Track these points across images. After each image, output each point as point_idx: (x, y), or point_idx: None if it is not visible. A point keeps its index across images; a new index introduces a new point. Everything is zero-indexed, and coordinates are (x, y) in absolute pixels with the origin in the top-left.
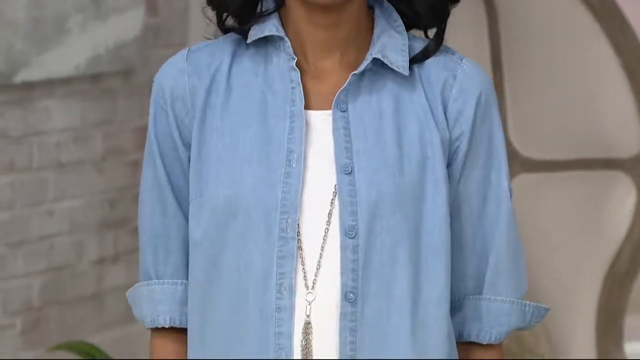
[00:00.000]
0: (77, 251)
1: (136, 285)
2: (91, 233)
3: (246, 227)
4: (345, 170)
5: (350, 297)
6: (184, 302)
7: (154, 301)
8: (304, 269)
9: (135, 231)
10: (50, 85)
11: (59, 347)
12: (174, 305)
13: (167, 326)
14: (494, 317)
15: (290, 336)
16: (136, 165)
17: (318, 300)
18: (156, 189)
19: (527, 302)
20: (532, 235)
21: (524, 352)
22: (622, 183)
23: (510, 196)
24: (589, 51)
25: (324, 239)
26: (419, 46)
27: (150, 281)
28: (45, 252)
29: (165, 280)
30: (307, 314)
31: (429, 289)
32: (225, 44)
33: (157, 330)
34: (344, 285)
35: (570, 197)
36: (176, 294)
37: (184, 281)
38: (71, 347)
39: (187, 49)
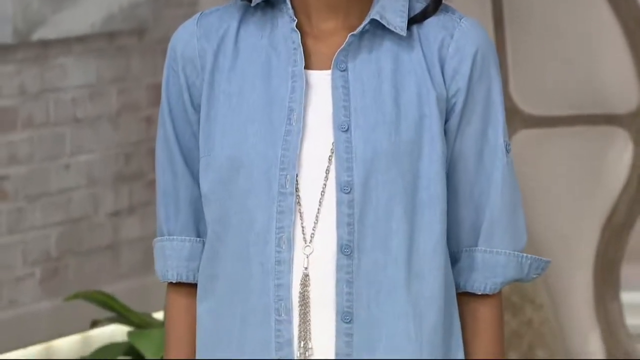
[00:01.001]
0: (94, 204)
1: (154, 240)
2: (107, 186)
3: (248, 183)
4: (342, 128)
5: (346, 251)
6: (192, 258)
7: (164, 257)
8: (302, 223)
9: (149, 184)
10: (66, 43)
11: (76, 296)
12: (181, 262)
13: (174, 281)
14: (489, 269)
15: (289, 288)
16: (149, 120)
17: (315, 254)
18: (166, 150)
19: (525, 255)
20: (532, 189)
21: (523, 302)
22: (620, 138)
23: (508, 152)
24: (589, 9)
25: (321, 195)
26: (419, 7)
27: (162, 237)
28: (63, 204)
29: (175, 237)
30: (305, 266)
31: (424, 242)
32: (234, 9)
33: (171, 284)
34: (340, 238)
35: (570, 151)
36: (183, 251)
37: (192, 238)
38: (88, 296)
39: (200, 13)
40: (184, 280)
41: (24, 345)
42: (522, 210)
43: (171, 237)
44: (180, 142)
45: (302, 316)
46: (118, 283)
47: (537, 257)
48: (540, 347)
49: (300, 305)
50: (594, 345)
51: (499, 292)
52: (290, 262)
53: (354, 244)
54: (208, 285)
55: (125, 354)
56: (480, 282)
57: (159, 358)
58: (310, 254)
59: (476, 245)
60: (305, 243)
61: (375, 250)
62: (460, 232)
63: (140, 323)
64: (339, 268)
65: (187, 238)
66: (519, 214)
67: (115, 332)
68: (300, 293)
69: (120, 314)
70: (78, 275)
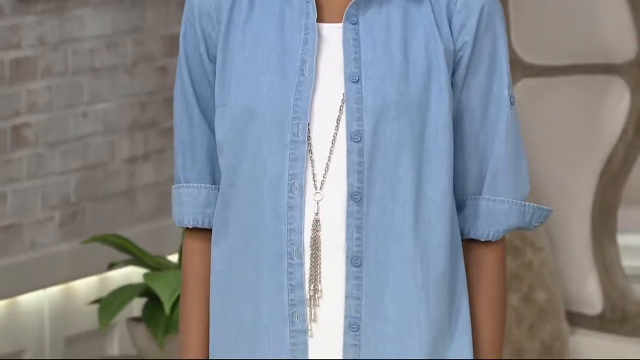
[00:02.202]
0: (110, 150)
1: (172, 187)
2: (123, 133)
3: (261, 132)
4: (353, 79)
5: (356, 197)
6: (207, 204)
7: (181, 203)
8: (313, 170)
9: (163, 132)
10: None
11: (93, 239)
12: (197, 208)
13: (190, 226)
14: (493, 216)
15: (300, 232)
16: (164, 70)
17: (325, 200)
18: (183, 100)
19: (528, 203)
20: (532, 137)
21: (524, 245)
22: (618, 87)
23: (512, 104)
24: None
25: (332, 143)
26: None
27: (179, 184)
28: (81, 151)
29: (191, 184)
30: (316, 212)
31: (431, 190)
32: None
33: (187, 229)
34: (350, 186)
35: (569, 100)
36: (200, 197)
37: (208, 185)
38: (105, 239)
39: None
40: (199, 225)
41: (44, 286)
42: (526, 160)
43: (188, 185)
44: (197, 92)
45: (312, 260)
46: (134, 227)
47: (539, 206)
48: (540, 289)
49: (312, 249)
50: (591, 286)
51: (502, 239)
52: (301, 207)
53: (364, 191)
54: (222, 230)
55: (141, 295)
56: (484, 229)
57: (173, 299)
58: (320, 200)
59: (480, 194)
60: (316, 190)
61: (384, 197)
62: (465, 181)
63: (155, 265)
64: (349, 214)
65: (203, 185)
66: (522, 164)
67: (132, 274)
68: (312, 238)
69: (136, 257)
70: (95, 219)
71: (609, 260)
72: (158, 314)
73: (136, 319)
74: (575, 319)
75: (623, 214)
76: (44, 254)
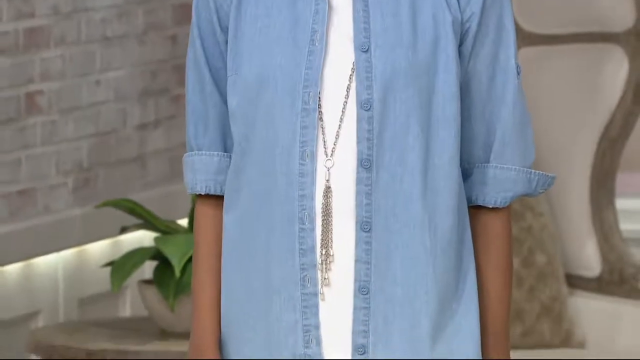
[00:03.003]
0: (122, 117)
1: (184, 155)
2: (134, 101)
3: (273, 100)
4: (363, 48)
5: (366, 164)
6: (219, 172)
7: (193, 170)
8: (324, 138)
9: (173, 99)
10: None
11: (105, 203)
12: (209, 175)
13: (203, 193)
14: (500, 183)
15: (312, 198)
16: (174, 39)
17: (336, 167)
18: (196, 70)
19: (533, 171)
20: (533, 104)
21: (524, 210)
22: (616, 55)
23: (518, 73)
24: None
25: (342, 112)
26: None
27: (192, 152)
28: (93, 118)
29: (203, 152)
30: (327, 179)
31: (439, 157)
32: None
33: (199, 196)
34: (359, 153)
35: (569, 68)
36: (212, 165)
37: (220, 153)
38: (117, 204)
39: None
40: (211, 192)
41: (58, 249)
42: (531, 128)
43: (200, 152)
44: (209, 61)
45: (324, 225)
46: (145, 191)
47: (544, 173)
48: (540, 252)
49: (323, 215)
50: (590, 249)
51: (509, 206)
52: (313, 174)
53: (373, 158)
54: (234, 197)
55: (152, 258)
56: (492, 196)
57: (183, 262)
58: (331, 167)
59: (488, 162)
60: (327, 157)
61: (393, 164)
62: (472, 149)
63: (165, 229)
64: (358, 181)
65: (215, 153)
66: (528, 133)
67: (143, 237)
68: (323, 203)
69: (147, 221)
70: (107, 184)
71: (607, 224)
72: (168, 276)
73: (147, 281)
74: (574, 281)
75: (621, 179)
76: (58, 218)
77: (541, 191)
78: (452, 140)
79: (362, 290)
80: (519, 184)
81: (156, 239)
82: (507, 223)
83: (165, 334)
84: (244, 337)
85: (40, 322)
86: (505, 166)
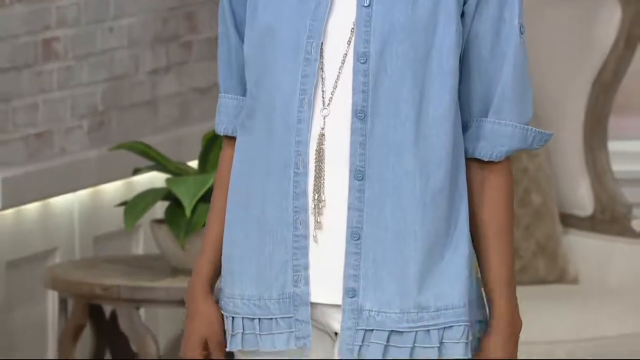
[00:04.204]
0: (134, 63)
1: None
2: (146, 47)
3: (280, 49)
4: (364, 4)
5: (360, 115)
6: (237, 115)
7: (219, 112)
8: (323, 88)
9: (183, 45)
10: None
11: (119, 146)
12: (229, 117)
13: (222, 134)
14: (496, 138)
15: (307, 144)
16: None
17: (331, 116)
18: (223, 23)
19: (530, 128)
20: (529, 52)
21: (520, 153)
22: (610, 2)
23: (522, 33)
24: None
25: (342, 63)
26: None
27: (220, 94)
28: (107, 63)
29: (227, 95)
30: (322, 127)
31: (433, 109)
32: None
33: (224, 137)
34: (354, 104)
35: (562, 15)
36: (232, 108)
37: (239, 97)
38: (130, 146)
39: None
40: (229, 134)
41: (74, 189)
42: (531, 87)
43: (226, 95)
44: (235, 16)
45: (317, 171)
46: (156, 134)
47: (540, 130)
48: (535, 192)
49: (316, 161)
50: (583, 189)
51: (507, 161)
52: (309, 121)
53: (368, 109)
54: (242, 139)
55: (164, 198)
56: (487, 150)
57: (194, 202)
58: (327, 116)
59: (486, 117)
60: (324, 106)
61: (386, 116)
62: (472, 104)
63: (176, 171)
64: (353, 131)
65: (235, 97)
66: (527, 90)
67: (155, 178)
68: (316, 150)
69: (159, 163)
70: (121, 127)
71: (599, 166)
72: (179, 216)
73: (159, 221)
74: (568, 220)
75: (613, 122)
76: (74, 160)
77: (538, 147)
78: (447, 94)
79: (354, 236)
80: (514, 139)
81: (167, 180)
82: (505, 177)
83: (176, 271)
84: (238, 274)
85: (57, 259)
86: (502, 122)
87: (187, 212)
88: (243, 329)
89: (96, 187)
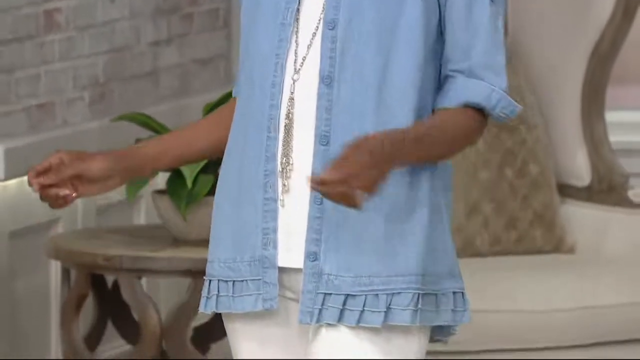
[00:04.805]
0: (136, 34)
1: None
2: (147, 18)
3: (262, 15)
4: None
5: (326, 81)
6: None
7: (238, 77)
8: (296, 52)
9: (184, 17)
10: None
11: (120, 117)
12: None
13: (233, 96)
14: (460, 90)
15: (278, 107)
16: None
17: (301, 81)
18: None
19: (496, 88)
20: (527, 24)
21: (518, 123)
22: None
23: (492, 2)
24: None
25: (316, 29)
26: None
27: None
28: (108, 35)
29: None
30: (292, 91)
31: (397, 77)
32: None
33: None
34: (322, 70)
35: None
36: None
37: None
38: (131, 117)
39: None
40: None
41: None
42: (503, 55)
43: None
44: None
45: (285, 134)
46: (157, 105)
47: (507, 96)
48: (533, 163)
49: (286, 125)
50: (581, 159)
51: (471, 114)
52: (281, 85)
53: (335, 75)
54: (237, 103)
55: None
56: (449, 98)
57: (195, 173)
58: (297, 81)
59: (455, 78)
60: (295, 71)
61: (352, 82)
62: (446, 70)
63: None
64: (319, 96)
65: None
66: (499, 59)
67: None
68: (286, 114)
69: (160, 134)
70: (122, 98)
71: (597, 136)
72: (180, 187)
73: (161, 192)
74: (566, 190)
75: (611, 92)
76: (75, 131)
77: (502, 114)
78: (412, 62)
79: (317, 200)
80: (477, 93)
81: None
82: (470, 116)
83: (177, 242)
84: (218, 237)
85: (59, 229)
86: (470, 79)
87: (188, 183)
88: (218, 291)
89: None
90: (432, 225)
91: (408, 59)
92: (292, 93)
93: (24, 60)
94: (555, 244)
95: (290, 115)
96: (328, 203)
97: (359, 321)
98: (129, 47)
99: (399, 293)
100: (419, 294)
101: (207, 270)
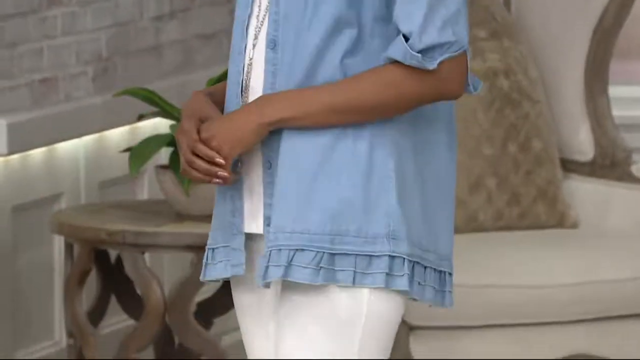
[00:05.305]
0: (138, 9)
1: None
2: None
3: None
4: None
5: (271, 45)
6: None
7: None
8: (257, 18)
9: None
10: None
11: (123, 92)
12: None
13: None
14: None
15: (240, 73)
16: None
17: (257, 46)
18: None
19: (413, 53)
20: (531, 2)
21: (522, 98)
22: None
23: None
24: None
25: None
26: None
27: None
28: (112, 9)
29: None
30: (250, 57)
31: (330, 54)
32: None
33: None
34: (268, 34)
35: None
36: None
37: None
38: (134, 92)
39: None
40: None
41: (80, 134)
42: (425, 5)
43: None
44: None
45: (243, 101)
46: (161, 81)
47: (420, 56)
48: (536, 138)
49: (243, 91)
50: (584, 134)
51: (390, 68)
52: (243, 51)
53: (279, 39)
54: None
55: (168, 144)
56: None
57: None
58: (255, 46)
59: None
60: (255, 36)
61: (294, 46)
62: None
63: (180, 117)
64: (267, 60)
65: None
66: (412, 8)
67: (159, 124)
68: (244, 79)
69: (163, 109)
70: (125, 73)
71: (600, 111)
72: None
73: (164, 167)
74: (569, 165)
75: (614, 67)
76: (79, 106)
77: (414, 65)
78: (347, 36)
79: (266, 165)
80: (392, 47)
81: (172, 127)
82: (385, 69)
83: (180, 217)
84: (215, 208)
85: (63, 204)
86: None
87: None
88: (206, 260)
89: (101, 133)
90: (358, 186)
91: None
92: (250, 59)
93: (27, 35)
94: (558, 219)
95: (248, 80)
96: (275, 167)
97: (265, 277)
98: (132, 22)
99: (302, 250)
100: (321, 252)
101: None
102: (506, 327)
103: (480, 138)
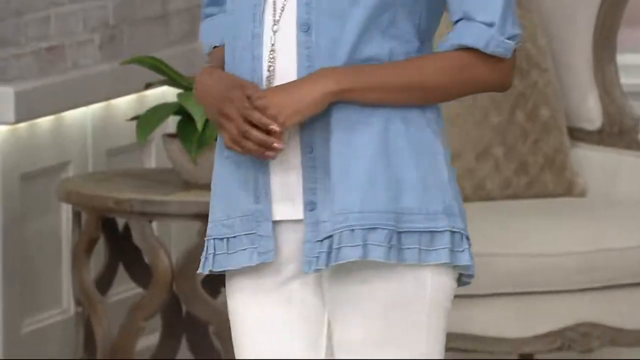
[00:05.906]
0: None
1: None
2: None
3: None
4: None
5: (304, 28)
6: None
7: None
8: (274, 3)
9: None
10: None
11: (130, 60)
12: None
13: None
14: (453, 35)
15: (260, 59)
16: None
17: (281, 31)
18: None
19: (495, 34)
20: None
21: (530, 67)
22: None
23: None
24: None
25: None
26: None
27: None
28: None
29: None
30: (273, 42)
31: (376, 28)
32: None
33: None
34: (299, 18)
35: None
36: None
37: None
38: (141, 60)
39: None
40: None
41: (87, 103)
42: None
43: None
44: None
45: (267, 87)
46: (168, 49)
47: (504, 40)
48: (544, 106)
49: (268, 77)
50: (592, 102)
51: (459, 54)
52: (260, 37)
53: (312, 23)
54: (226, 51)
55: (176, 113)
56: (443, 45)
57: (205, 117)
58: (277, 32)
59: (456, 25)
60: (274, 22)
61: (330, 29)
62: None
63: (188, 85)
64: (299, 44)
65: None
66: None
67: (166, 93)
68: (269, 66)
69: (170, 77)
70: (132, 41)
71: (608, 79)
72: (191, 130)
73: (171, 135)
74: (576, 134)
75: (622, 35)
76: (86, 74)
77: (495, 51)
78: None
79: (307, 149)
80: (466, 34)
81: (179, 95)
82: (456, 59)
83: (187, 185)
84: (216, 197)
85: (70, 172)
86: (464, 23)
87: (198, 127)
88: (214, 250)
89: (108, 101)
90: (420, 163)
91: (395, 13)
92: (272, 45)
93: (34, 2)
94: (565, 187)
95: (273, 66)
96: (318, 151)
97: (338, 257)
98: None
99: (375, 229)
100: (393, 230)
101: (207, 232)
102: (513, 296)
103: (488, 106)
